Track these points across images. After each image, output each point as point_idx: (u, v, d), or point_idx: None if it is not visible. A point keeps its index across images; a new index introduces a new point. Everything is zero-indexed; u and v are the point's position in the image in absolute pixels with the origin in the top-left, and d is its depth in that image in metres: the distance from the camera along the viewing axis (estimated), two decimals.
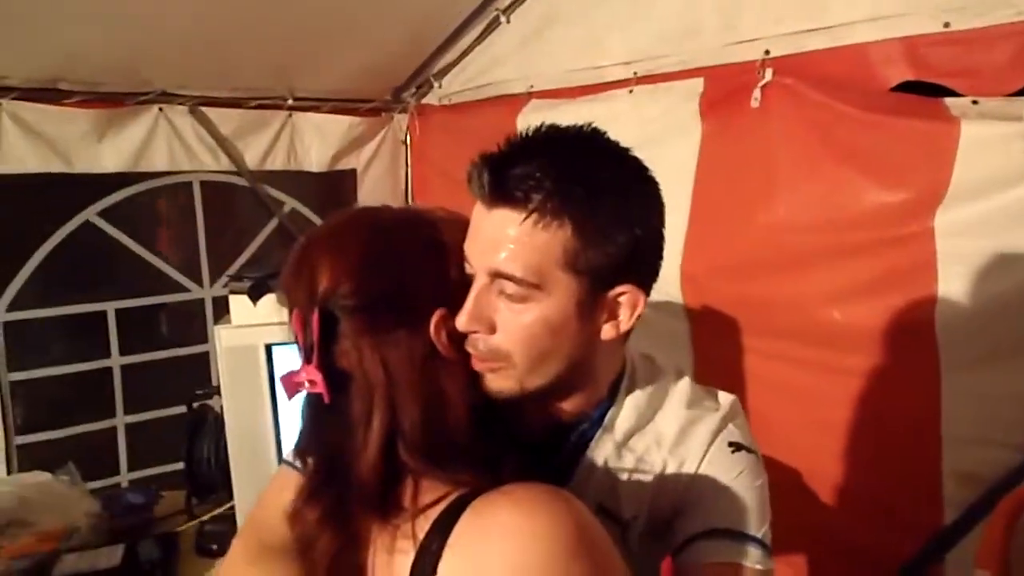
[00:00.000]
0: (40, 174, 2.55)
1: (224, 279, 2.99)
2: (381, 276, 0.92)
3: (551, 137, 0.96)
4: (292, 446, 1.09)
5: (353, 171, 3.26)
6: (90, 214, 2.74)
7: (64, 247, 2.68)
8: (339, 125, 3.14)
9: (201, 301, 3.01)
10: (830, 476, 1.83)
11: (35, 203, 2.64)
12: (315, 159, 3.13)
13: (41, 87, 2.47)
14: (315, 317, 0.90)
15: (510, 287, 0.93)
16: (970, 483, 1.61)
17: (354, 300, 0.91)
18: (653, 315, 2.04)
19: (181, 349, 2.99)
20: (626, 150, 0.97)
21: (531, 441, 1.05)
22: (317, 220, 3.21)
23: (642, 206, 0.96)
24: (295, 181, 3.14)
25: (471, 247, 0.96)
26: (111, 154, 2.68)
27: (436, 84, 3.10)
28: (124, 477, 2.88)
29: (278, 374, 2.15)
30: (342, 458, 0.90)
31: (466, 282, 0.96)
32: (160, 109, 2.73)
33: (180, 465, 2.78)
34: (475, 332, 0.95)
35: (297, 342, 0.95)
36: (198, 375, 2.97)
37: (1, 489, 2.20)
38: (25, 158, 2.51)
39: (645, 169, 0.98)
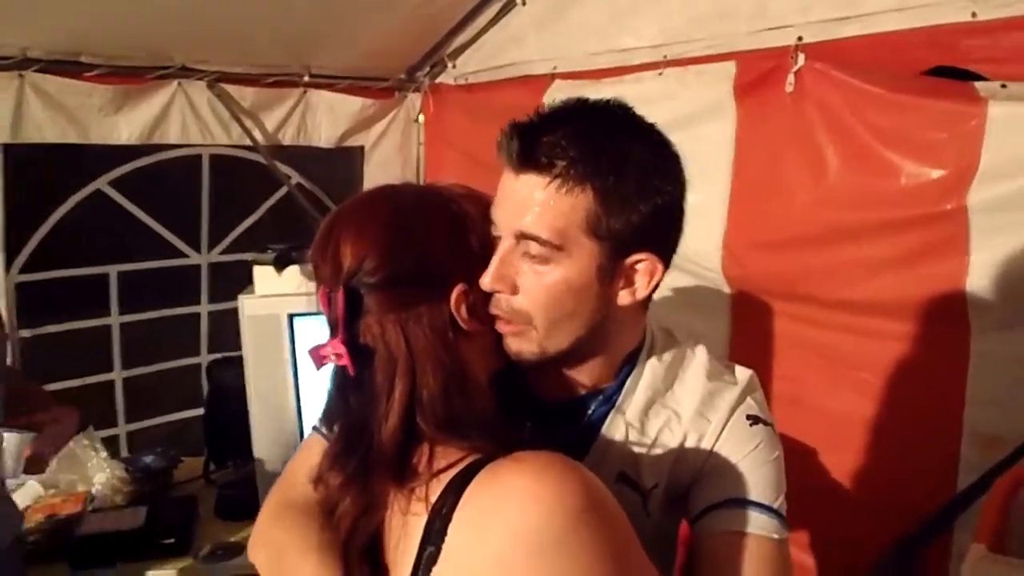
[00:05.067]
0: (56, 144, 2.56)
1: (222, 246, 3.10)
2: (404, 253, 0.95)
3: (579, 109, 1.00)
4: (320, 414, 1.12)
5: (361, 148, 3.29)
6: (102, 183, 2.77)
7: (75, 213, 2.73)
8: (351, 103, 3.16)
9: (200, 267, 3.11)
10: (854, 436, 1.91)
11: (49, 171, 2.65)
12: (324, 135, 3.16)
13: (63, 60, 2.48)
14: (340, 294, 0.93)
15: (534, 248, 0.96)
16: (989, 445, 1.67)
17: (377, 277, 0.93)
18: (694, 286, 2.11)
19: (174, 309, 3.11)
20: (650, 125, 1.02)
21: (550, 411, 1.09)
22: (321, 194, 3.25)
23: (664, 178, 0.99)
24: (301, 155, 3.19)
25: (498, 210, 1.00)
26: (127, 127, 2.69)
27: (451, 64, 3.13)
28: (122, 428, 2.95)
29: (299, 344, 2.19)
30: (364, 426, 0.93)
31: (486, 255, 0.99)
32: (179, 84, 2.74)
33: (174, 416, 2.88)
34: (498, 292, 0.99)
35: (324, 316, 0.98)
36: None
37: None
38: (44, 128, 2.52)
39: (668, 144, 1.01)
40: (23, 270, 2.61)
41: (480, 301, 0.98)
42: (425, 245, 0.96)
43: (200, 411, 2.75)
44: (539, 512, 0.77)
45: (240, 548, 2.05)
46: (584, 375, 1.09)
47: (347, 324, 0.94)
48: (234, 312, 2.20)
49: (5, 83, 2.41)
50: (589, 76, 2.45)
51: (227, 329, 2.56)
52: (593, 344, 1.05)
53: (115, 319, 2.93)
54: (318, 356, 0.96)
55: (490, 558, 0.78)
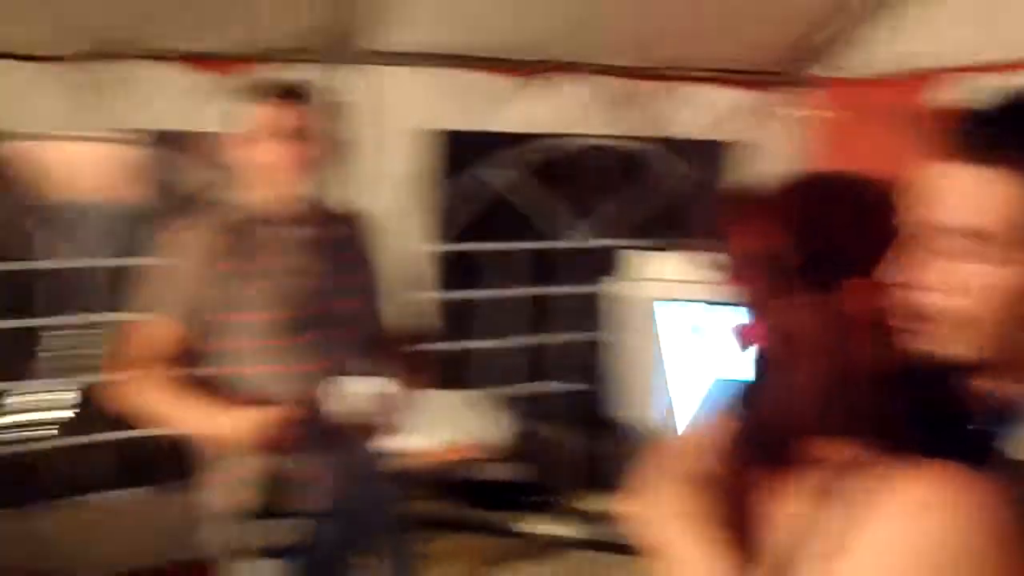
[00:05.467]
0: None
1: (582, 231, 3.29)
2: (815, 239, 0.95)
3: None
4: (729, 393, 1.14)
5: (738, 141, 3.28)
6: (511, 171, 3.09)
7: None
8: (729, 96, 3.18)
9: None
10: None
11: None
12: (701, 128, 3.20)
13: (468, 55, 2.78)
14: (759, 275, 0.97)
15: (984, 245, 0.89)
16: None
17: (790, 261, 0.94)
18: None
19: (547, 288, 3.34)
20: None
21: (944, 420, 1.01)
22: (699, 186, 3.32)
23: None
24: (680, 147, 3.28)
25: (939, 204, 0.93)
26: (520, 116, 2.94)
27: (836, 57, 3.02)
28: (505, 391, 3.15)
29: (666, 328, 2.32)
30: (768, 410, 0.96)
31: (892, 245, 0.94)
32: (559, 78, 2.93)
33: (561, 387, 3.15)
34: (930, 290, 0.92)
35: (737, 299, 1.00)
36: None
37: (443, 402, 2.55)
38: (453, 117, 2.84)
39: None
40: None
41: (888, 294, 0.94)
42: (835, 231, 0.97)
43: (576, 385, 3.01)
44: (956, 530, 0.76)
45: (614, 515, 2.23)
46: (995, 385, 1.00)
47: (763, 307, 0.98)
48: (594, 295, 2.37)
49: (422, 77, 2.74)
50: (994, 70, 2.25)
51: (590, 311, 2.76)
52: (1013, 356, 0.97)
53: (513, 292, 3.25)
54: (741, 336, 1.01)
55: (883, 567, 0.79)
